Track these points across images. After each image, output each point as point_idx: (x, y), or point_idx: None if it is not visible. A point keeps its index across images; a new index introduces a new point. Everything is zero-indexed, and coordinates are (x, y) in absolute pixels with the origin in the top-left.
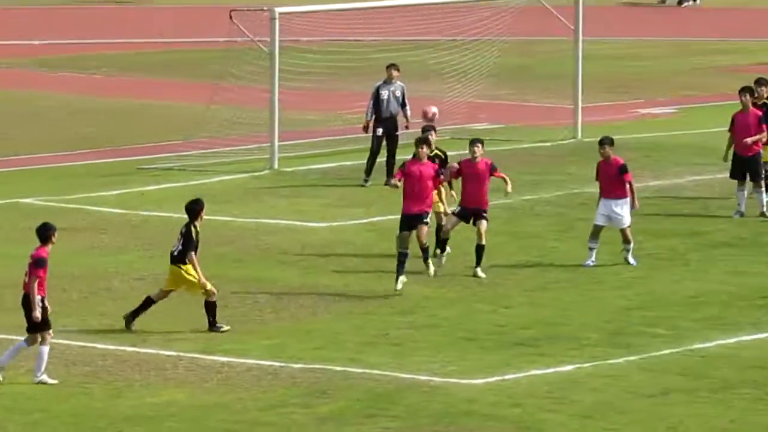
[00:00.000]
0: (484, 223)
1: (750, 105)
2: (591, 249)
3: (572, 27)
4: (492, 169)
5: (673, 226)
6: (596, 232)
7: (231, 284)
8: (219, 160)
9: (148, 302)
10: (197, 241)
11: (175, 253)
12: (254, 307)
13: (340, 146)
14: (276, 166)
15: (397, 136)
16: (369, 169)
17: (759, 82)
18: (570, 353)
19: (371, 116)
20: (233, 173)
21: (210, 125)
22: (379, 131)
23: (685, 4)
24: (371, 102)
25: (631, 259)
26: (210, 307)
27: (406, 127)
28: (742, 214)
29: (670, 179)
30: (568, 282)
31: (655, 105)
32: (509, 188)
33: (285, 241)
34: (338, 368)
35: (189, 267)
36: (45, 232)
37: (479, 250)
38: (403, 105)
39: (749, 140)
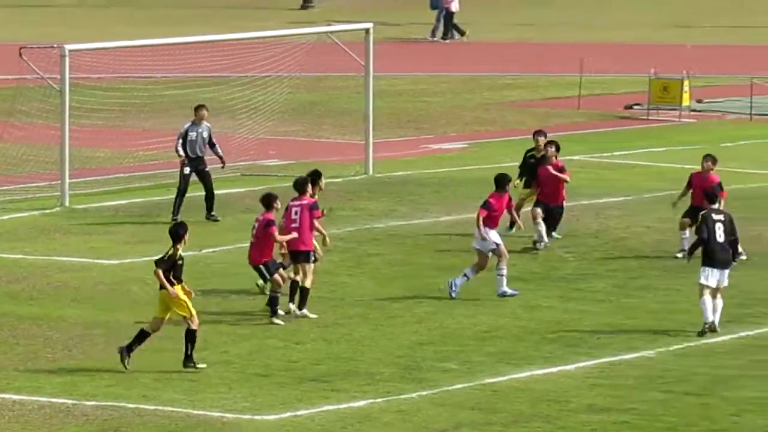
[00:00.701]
0: (307, 266)
1: None
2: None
3: (363, 63)
4: (313, 209)
5: (464, 260)
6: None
7: (23, 322)
8: (10, 197)
9: (142, 335)
10: (179, 266)
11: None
12: (46, 344)
13: (131, 183)
14: (67, 203)
15: (208, 172)
16: (176, 208)
17: (539, 132)
18: (363, 388)
19: (183, 154)
20: (24, 210)
21: None
22: (187, 170)
23: (451, 39)
24: (179, 142)
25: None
26: (191, 337)
27: (222, 167)
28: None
29: (462, 214)
30: (361, 317)
31: (445, 140)
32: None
33: (77, 278)
34: (131, 405)
35: (179, 289)
36: None
37: (303, 291)
38: (212, 145)
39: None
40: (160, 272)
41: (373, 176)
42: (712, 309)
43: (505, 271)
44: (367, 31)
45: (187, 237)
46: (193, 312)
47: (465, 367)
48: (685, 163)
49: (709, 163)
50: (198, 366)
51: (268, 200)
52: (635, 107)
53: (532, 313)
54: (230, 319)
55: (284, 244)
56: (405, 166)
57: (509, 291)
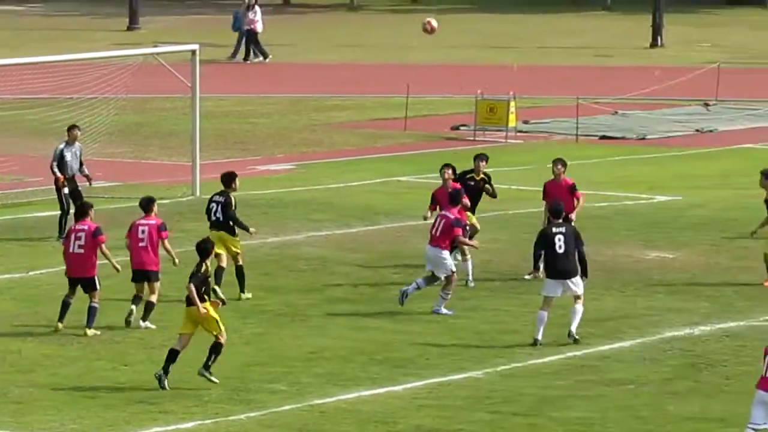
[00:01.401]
0: (155, 285)
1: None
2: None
3: (189, 84)
4: (161, 229)
5: (293, 282)
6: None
7: None
8: None
9: (173, 354)
10: (209, 282)
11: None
12: None
13: None
14: None
15: (80, 191)
16: (62, 228)
17: (480, 156)
18: (191, 410)
19: (61, 175)
20: None
21: None
22: (66, 190)
23: (254, 60)
24: (55, 163)
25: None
26: (216, 349)
27: (90, 185)
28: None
29: (289, 235)
30: None
31: (273, 161)
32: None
33: None
34: None
35: (208, 305)
36: None
37: (149, 305)
38: (80, 164)
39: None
40: (193, 288)
41: (200, 197)
42: (545, 324)
43: (450, 295)
44: (193, 52)
45: (213, 252)
46: (222, 329)
47: (293, 389)
48: (512, 184)
49: (559, 167)
50: (212, 379)
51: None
52: (462, 128)
53: (359, 334)
54: (59, 341)
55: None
56: None
57: (445, 311)
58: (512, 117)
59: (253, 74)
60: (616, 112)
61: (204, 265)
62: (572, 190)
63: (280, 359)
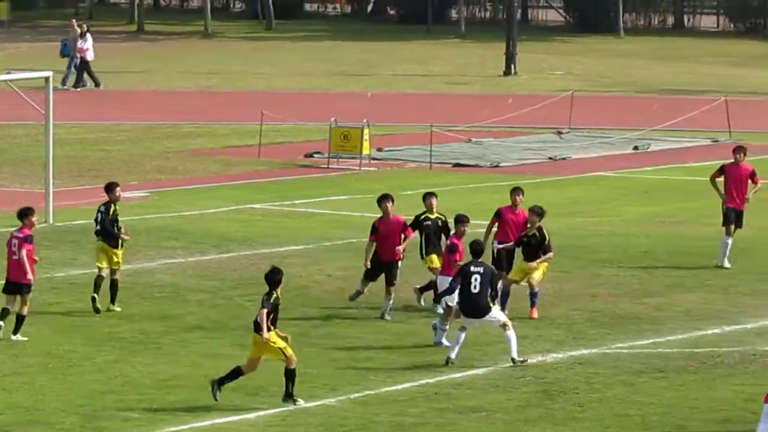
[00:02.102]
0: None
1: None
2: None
3: (42, 111)
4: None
5: (146, 309)
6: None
7: None
8: None
9: (236, 372)
10: (278, 308)
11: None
12: None
13: None
14: None
15: None
16: None
17: (430, 194)
18: None
19: None
20: None
21: None
22: None
23: (82, 88)
24: None
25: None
26: (290, 375)
27: None
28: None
29: (142, 263)
30: (41, 366)
31: (127, 189)
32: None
33: None
34: None
35: (273, 335)
36: None
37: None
38: None
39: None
40: (264, 313)
41: (53, 225)
42: (460, 346)
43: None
44: (46, 79)
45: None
46: (288, 353)
47: (146, 416)
48: (366, 211)
49: (519, 197)
50: (297, 402)
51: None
52: (316, 155)
53: (213, 361)
54: None
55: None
56: (85, 215)
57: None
58: (366, 144)
59: (106, 101)
60: (470, 140)
61: (275, 293)
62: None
63: (134, 387)
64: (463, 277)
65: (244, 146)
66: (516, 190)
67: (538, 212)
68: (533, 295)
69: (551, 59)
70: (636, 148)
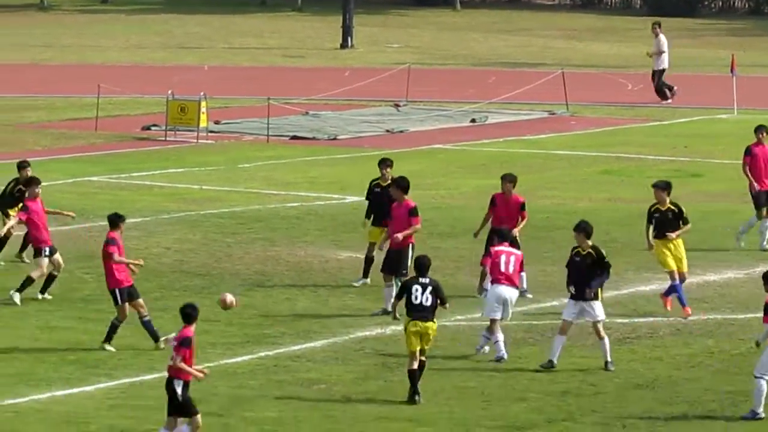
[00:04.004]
0: None
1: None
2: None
3: None
4: None
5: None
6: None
7: None
8: None
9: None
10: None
11: (427, 304)
12: None
13: None
14: None
15: None
16: None
17: (383, 162)
18: None
19: None
20: None
21: None
22: None
23: None
24: None
25: None
26: (421, 368)
27: None
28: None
29: None
30: None
31: None
32: None
33: None
34: None
35: (434, 325)
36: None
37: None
38: None
39: (400, 236)
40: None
41: None
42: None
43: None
44: None
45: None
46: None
47: None
48: (203, 184)
49: (509, 185)
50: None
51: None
52: (153, 128)
53: (50, 334)
54: None
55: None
56: None
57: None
58: (203, 117)
59: None
60: (307, 113)
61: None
62: (521, 208)
63: None
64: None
65: (82, 119)
66: (505, 177)
67: (663, 187)
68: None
69: (388, 32)
70: (473, 120)
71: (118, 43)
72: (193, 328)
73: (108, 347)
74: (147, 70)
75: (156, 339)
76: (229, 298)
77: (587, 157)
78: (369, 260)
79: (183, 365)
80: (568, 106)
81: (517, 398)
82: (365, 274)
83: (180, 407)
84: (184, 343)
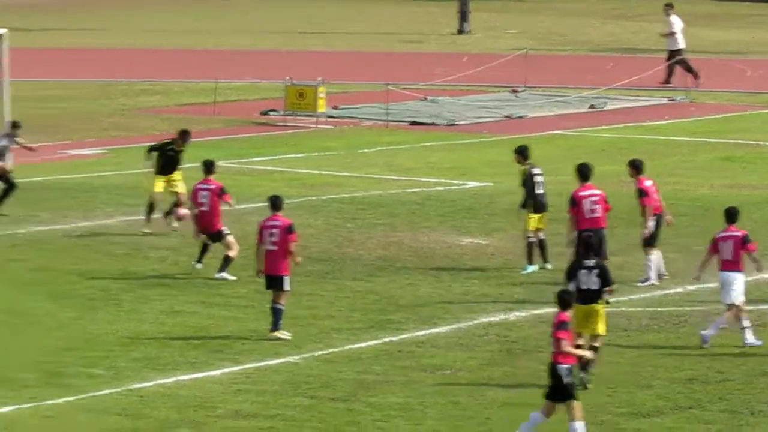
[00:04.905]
0: None
1: None
2: None
3: None
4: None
5: (105, 266)
6: None
7: None
8: None
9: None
10: None
11: (593, 287)
12: None
13: None
14: None
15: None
16: None
17: (183, 133)
18: (8, 395)
19: None
20: None
21: None
22: None
23: None
24: None
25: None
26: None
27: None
28: None
29: (101, 219)
30: (3, 324)
31: (84, 146)
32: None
33: None
34: None
35: (602, 307)
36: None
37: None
38: None
39: None
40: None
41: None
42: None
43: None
44: (1, 36)
45: None
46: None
47: (111, 373)
48: (322, 169)
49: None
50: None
51: (277, 202)
52: (271, 113)
53: (175, 318)
54: None
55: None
56: (43, 172)
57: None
58: (321, 102)
59: (61, 59)
60: (426, 98)
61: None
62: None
63: (96, 343)
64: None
65: (199, 104)
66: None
67: None
68: None
69: (504, 18)
70: (592, 106)
71: (238, 27)
72: (569, 313)
73: (277, 334)
74: (265, 55)
75: (275, 329)
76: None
77: (707, 144)
78: (532, 246)
79: (569, 348)
80: (687, 93)
81: (643, 385)
82: (530, 260)
83: (563, 391)
84: (561, 327)
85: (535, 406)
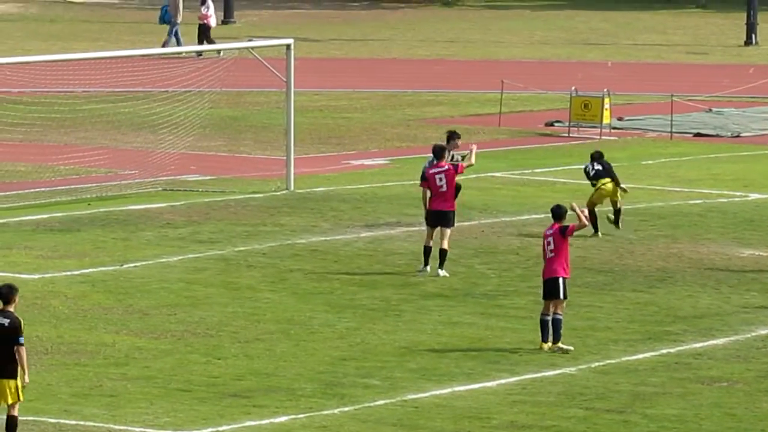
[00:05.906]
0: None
1: None
2: None
3: (284, 78)
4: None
5: (386, 276)
6: None
7: None
8: None
9: None
10: None
11: None
12: None
13: (51, 198)
14: None
15: None
16: None
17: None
18: (284, 404)
19: None
20: None
21: None
22: None
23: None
24: None
25: None
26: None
27: None
28: None
29: (383, 230)
30: (282, 333)
31: (367, 156)
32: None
33: None
34: (52, 420)
35: None
36: None
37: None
38: None
39: None
40: None
41: (294, 192)
42: None
43: None
44: (288, 46)
45: None
46: None
47: (387, 384)
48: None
49: None
50: None
51: (558, 212)
52: (556, 124)
53: (453, 329)
54: (151, 335)
55: None
56: (326, 182)
57: None
58: (606, 113)
59: (346, 70)
60: (711, 110)
61: None
62: None
63: (374, 354)
64: None
65: (485, 115)
66: None
67: None
68: None
69: None
70: None
71: (522, 38)
72: None
73: (553, 346)
74: (550, 66)
75: (555, 340)
76: None
77: None
78: None
79: None
80: None
81: None
82: None
83: None
84: None
85: None
